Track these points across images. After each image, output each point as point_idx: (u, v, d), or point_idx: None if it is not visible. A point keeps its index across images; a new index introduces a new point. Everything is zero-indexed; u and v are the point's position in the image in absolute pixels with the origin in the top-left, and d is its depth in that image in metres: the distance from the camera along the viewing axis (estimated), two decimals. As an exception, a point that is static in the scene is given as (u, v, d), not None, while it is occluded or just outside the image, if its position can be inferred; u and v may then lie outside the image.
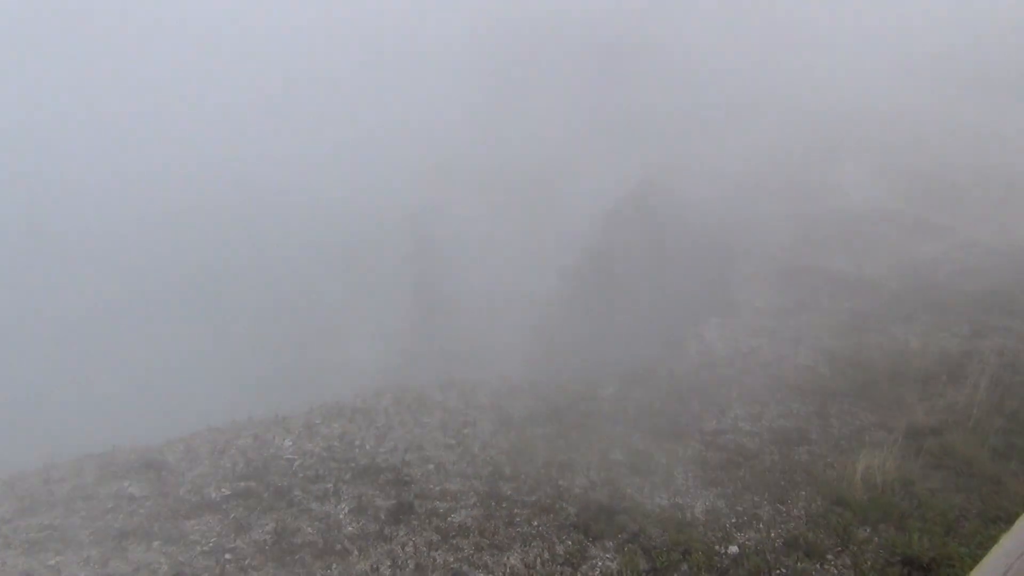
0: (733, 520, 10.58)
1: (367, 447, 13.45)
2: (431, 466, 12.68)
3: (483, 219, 27.18)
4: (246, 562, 9.73)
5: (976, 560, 7.97)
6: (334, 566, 9.75)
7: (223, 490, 11.84)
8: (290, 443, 13.62)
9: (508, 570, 9.57)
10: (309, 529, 10.58)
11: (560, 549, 10.05)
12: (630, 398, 15.47)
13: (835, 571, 9.10)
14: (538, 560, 9.77)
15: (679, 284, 22.70)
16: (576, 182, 28.56)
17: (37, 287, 31.08)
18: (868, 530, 9.79)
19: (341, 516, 10.97)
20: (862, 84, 32.63)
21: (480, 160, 30.23)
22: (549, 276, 24.17)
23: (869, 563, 9.08)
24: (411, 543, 10.20)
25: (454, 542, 10.23)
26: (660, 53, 34.48)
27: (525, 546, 10.11)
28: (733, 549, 9.78)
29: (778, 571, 9.19)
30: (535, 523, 10.72)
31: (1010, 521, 9.23)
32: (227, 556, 9.85)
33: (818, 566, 9.18)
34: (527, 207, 27.62)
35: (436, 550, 10.06)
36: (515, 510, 11.09)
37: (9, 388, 25.28)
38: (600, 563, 9.70)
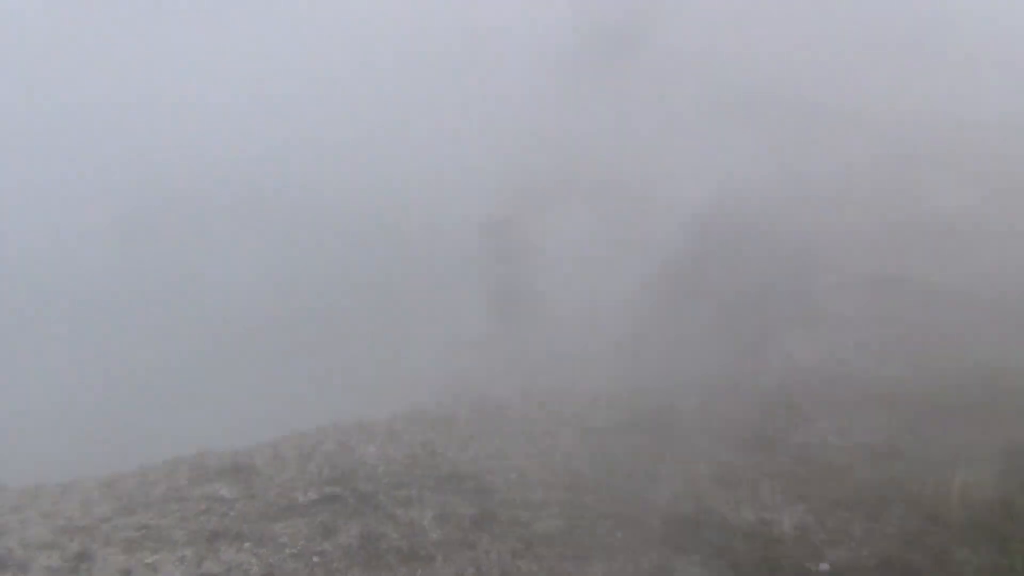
0: (823, 537, 10.33)
1: (449, 455, 13.55)
2: (513, 475, 12.70)
3: (559, 226, 27.09)
4: (333, 566, 9.89)
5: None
6: (419, 572, 9.84)
7: (310, 494, 12.05)
8: (374, 449, 13.80)
9: (593, 581, 9.54)
10: (394, 535, 10.70)
11: (645, 562, 9.96)
12: (713, 409, 15.25)
13: (933, 593, 8.82)
14: (622, 573, 9.70)
15: (762, 293, 22.27)
16: (656, 188, 28.29)
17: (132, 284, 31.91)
18: (967, 551, 9.45)
19: (425, 522, 11.06)
20: (949, 90, 31.64)
21: (558, 166, 30.15)
22: (628, 284, 23.95)
23: (969, 586, 8.78)
24: (495, 551, 10.24)
25: (538, 551, 10.23)
26: (741, 58, 33.97)
27: (609, 558, 10.05)
28: (824, 567, 9.55)
29: (872, 591, 8.96)
30: (619, 535, 10.65)
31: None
32: (315, 559, 10.02)
33: (915, 587, 8.92)
34: (605, 214, 27.44)
35: (520, 559, 10.08)
36: (598, 521, 11.04)
37: (104, 388, 26.15)
38: (686, 577, 9.59)
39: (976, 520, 10.01)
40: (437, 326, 26.50)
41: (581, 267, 25.53)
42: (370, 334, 28.76)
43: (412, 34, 38.69)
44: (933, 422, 13.68)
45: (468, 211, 30.64)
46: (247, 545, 10.34)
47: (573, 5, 35.81)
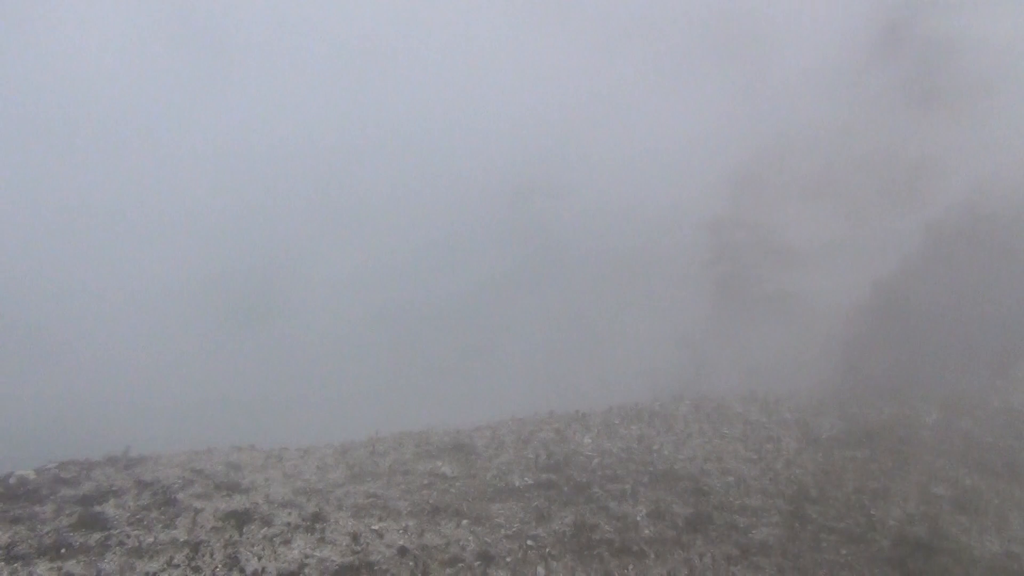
0: (1084, 579, 9.28)
1: (665, 452, 13.37)
2: (731, 478, 12.35)
3: (792, 226, 25.96)
4: (546, 551, 10.02)
5: None
6: (631, 566, 9.77)
7: (526, 479, 12.31)
8: (589, 440, 13.88)
9: (813, 597, 9.09)
10: (607, 527, 10.69)
11: (872, 583, 9.37)
12: (955, 428, 14.08)
13: None
14: (847, 591, 9.18)
15: (1014, 305, 20.27)
16: (895, 189, 26.51)
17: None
18: None
19: (638, 518, 10.98)
20: None
21: (794, 166, 28.88)
22: (862, 287, 22.56)
23: None
24: (709, 554, 9.98)
25: (754, 560, 9.87)
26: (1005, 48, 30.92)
27: (832, 574, 9.53)
28: (1084, 612, 8.57)
29: None
30: (843, 551, 10.07)
31: None
32: (529, 543, 10.21)
33: None
34: (844, 212, 25.97)
35: (735, 565, 9.77)
36: (821, 535, 10.49)
37: (337, 365, 27.94)
38: (918, 605, 8.92)
39: None
40: (659, 321, 26.23)
41: (813, 265, 24.32)
42: (593, 326, 28.93)
43: (649, 28, 38.36)
44: None
45: (695, 207, 30.05)
46: (465, 522, 10.71)
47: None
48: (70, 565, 8.95)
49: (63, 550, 9.36)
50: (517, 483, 12.22)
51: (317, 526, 10.32)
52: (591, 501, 11.53)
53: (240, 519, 10.45)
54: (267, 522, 10.42)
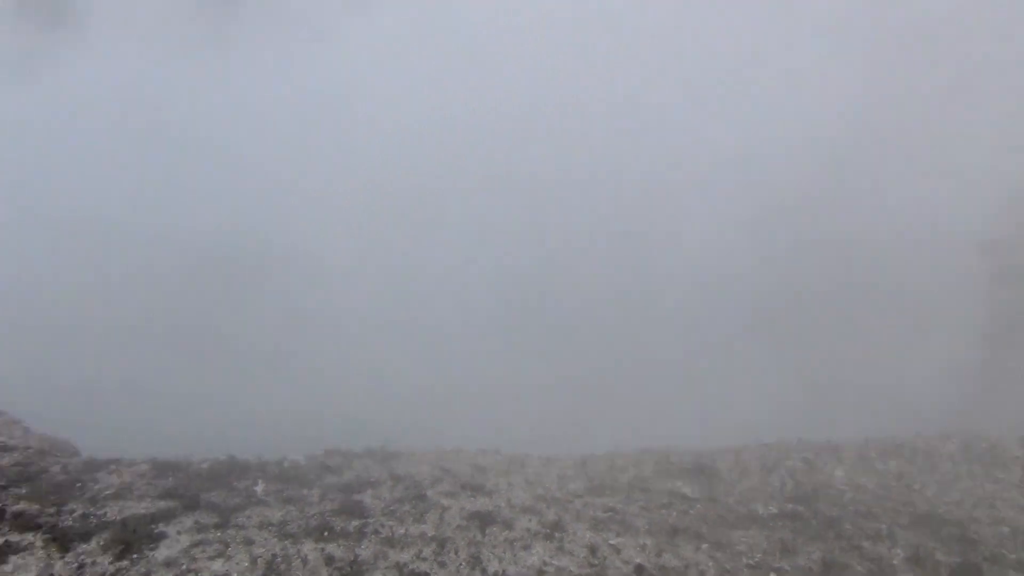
0: None
1: (927, 493, 12.34)
2: (1005, 529, 11.16)
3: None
4: (791, 586, 9.56)
5: None
6: (885, 614, 9.10)
7: (770, 508, 11.82)
8: (841, 474, 13.10)
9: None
10: (859, 567, 10.02)
11: None
12: None
13: None
14: None
15: None
16: None
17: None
18: None
19: (895, 562, 10.18)
20: None
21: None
22: None
23: None
24: (977, 611, 9.09)
25: (1032, 623, 8.87)
26: None
27: None
28: None
29: None
30: None
31: None
32: (772, 575, 9.78)
33: None
34: None
35: (1008, 627, 8.83)
36: (1117, 604, 9.24)
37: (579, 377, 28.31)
38: None
39: None
40: (925, 350, 24.39)
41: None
42: (852, 350, 27.46)
43: (937, 33, 35.97)
44: None
45: (966, 227, 27.78)
46: (705, 546, 10.43)
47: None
48: (331, 547, 9.66)
49: (326, 533, 10.14)
50: (760, 511, 11.74)
51: (556, 535, 10.46)
52: (841, 538, 10.84)
53: (483, 520, 10.83)
54: (508, 526, 10.71)
